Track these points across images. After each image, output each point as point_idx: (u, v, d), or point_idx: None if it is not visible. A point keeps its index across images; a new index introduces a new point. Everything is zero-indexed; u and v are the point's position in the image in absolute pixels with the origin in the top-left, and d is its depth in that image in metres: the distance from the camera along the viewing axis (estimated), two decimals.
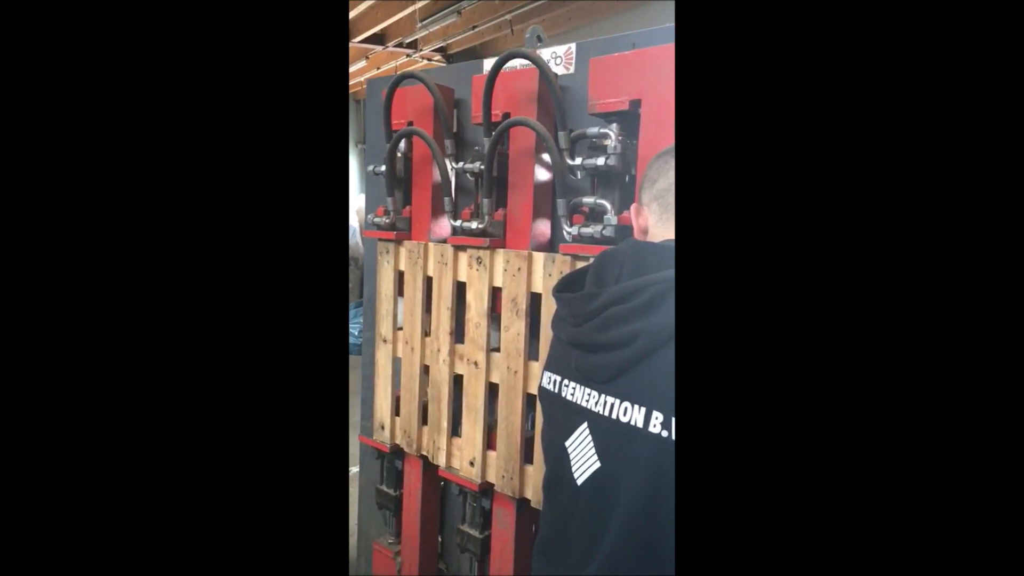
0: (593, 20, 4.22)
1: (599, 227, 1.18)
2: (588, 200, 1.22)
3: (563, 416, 0.77)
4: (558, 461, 0.77)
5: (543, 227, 1.38)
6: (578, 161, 1.21)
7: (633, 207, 0.87)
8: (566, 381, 0.77)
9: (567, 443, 0.75)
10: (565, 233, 1.24)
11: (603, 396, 0.70)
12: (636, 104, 1.16)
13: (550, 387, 0.81)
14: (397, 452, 1.67)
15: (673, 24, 1.12)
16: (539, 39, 1.42)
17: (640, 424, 0.66)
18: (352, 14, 4.54)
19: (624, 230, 1.18)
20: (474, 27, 4.43)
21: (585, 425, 0.72)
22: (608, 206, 1.18)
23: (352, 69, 6.03)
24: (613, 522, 0.68)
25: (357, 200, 6.04)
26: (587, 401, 0.73)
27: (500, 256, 1.36)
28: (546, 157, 1.33)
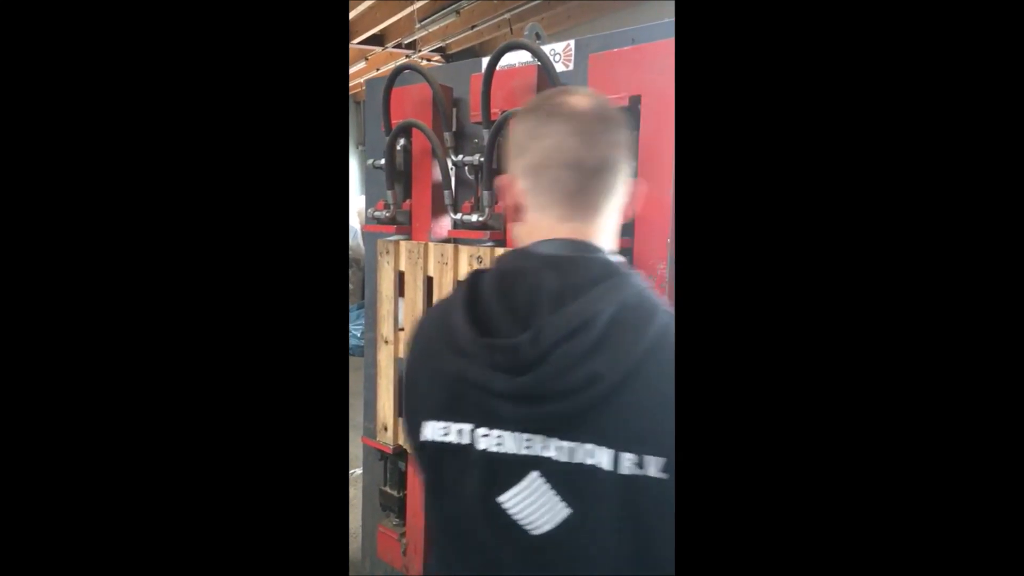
0: (592, 18, 4.21)
1: None
2: None
3: (490, 471, 0.65)
4: (488, 520, 0.66)
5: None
6: None
7: (504, 178, 0.73)
8: (485, 431, 0.65)
9: (503, 498, 0.65)
10: None
11: (555, 441, 0.63)
12: (636, 100, 1.16)
13: (454, 439, 0.67)
14: (400, 453, 1.66)
15: (672, 19, 1.11)
16: (538, 36, 1.41)
17: (607, 467, 0.61)
18: (351, 15, 4.54)
19: (625, 222, 1.17)
20: (473, 27, 4.42)
21: (536, 474, 0.64)
22: None
23: (351, 71, 6.03)
24: (596, 568, 0.64)
25: (358, 201, 6.04)
26: (531, 449, 0.64)
27: (499, 253, 1.35)
28: None
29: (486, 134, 1.31)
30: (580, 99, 0.69)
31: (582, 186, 0.68)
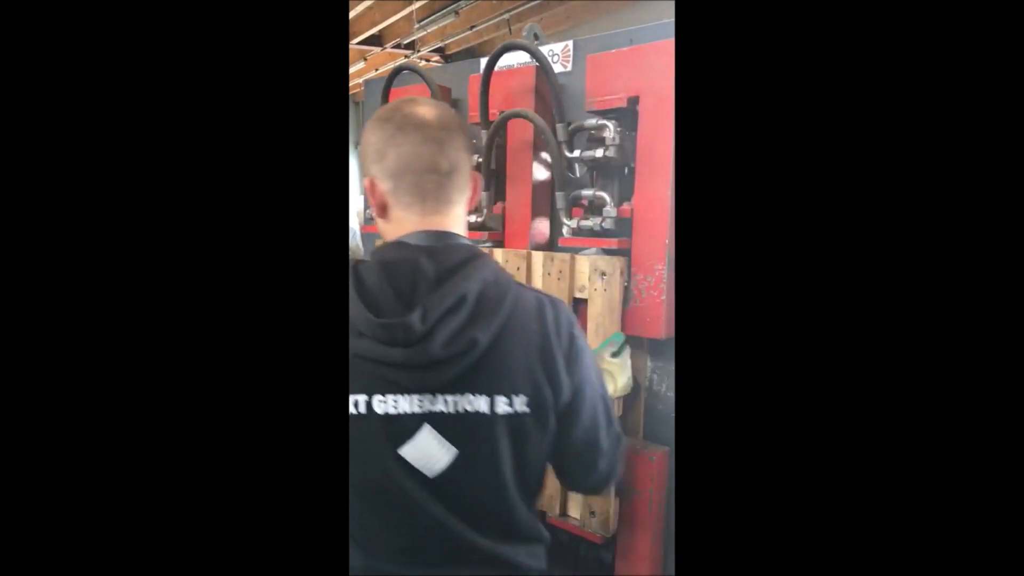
0: (591, 18, 4.22)
1: (598, 219, 1.18)
2: (587, 192, 1.21)
3: (389, 430, 0.77)
4: (387, 472, 0.78)
5: (542, 225, 1.37)
6: (576, 153, 1.20)
7: (366, 181, 0.83)
8: (381, 398, 0.77)
9: (402, 451, 0.77)
10: (564, 227, 1.24)
11: (441, 396, 0.77)
12: (634, 101, 1.16)
13: (352, 410, 0.78)
14: None
15: (669, 20, 1.12)
16: (536, 37, 1.41)
17: (486, 410, 0.77)
18: (350, 15, 4.54)
19: (624, 222, 1.18)
20: (472, 27, 4.43)
21: (428, 427, 0.78)
22: (607, 198, 1.17)
23: (350, 71, 6.04)
24: (485, 495, 0.80)
25: (357, 202, 6.05)
26: (422, 406, 0.77)
27: (499, 255, 1.35)
28: (545, 155, 1.32)
29: (484, 135, 1.32)
30: (427, 110, 0.81)
31: (439, 186, 0.80)
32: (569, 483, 0.93)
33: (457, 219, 0.84)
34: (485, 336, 0.75)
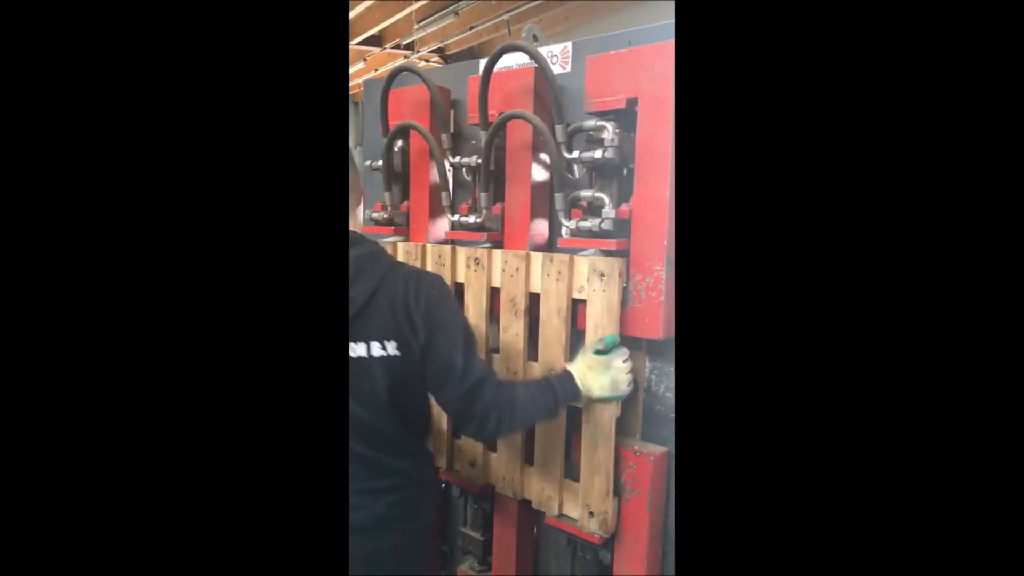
0: (590, 19, 4.22)
1: (597, 220, 1.18)
2: (586, 193, 1.21)
3: None
4: None
5: (541, 226, 1.37)
6: (575, 155, 1.20)
7: None
8: None
9: None
10: (563, 228, 1.24)
11: None
12: (633, 102, 1.16)
13: None
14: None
15: (668, 22, 1.12)
16: (535, 38, 1.41)
17: (364, 354, 1.03)
18: (350, 16, 4.54)
19: (622, 223, 1.18)
20: (472, 28, 4.43)
21: None
22: (606, 199, 1.17)
23: (350, 71, 6.03)
24: (375, 421, 1.06)
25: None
26: None
27: (498, 256, 1.35)
28: (544, 156, 1.32)
29: (483, 136, 1.32)
30: None
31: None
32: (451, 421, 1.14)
33: (355, 222, 1.14)
34: (361, 296, 1.01)
